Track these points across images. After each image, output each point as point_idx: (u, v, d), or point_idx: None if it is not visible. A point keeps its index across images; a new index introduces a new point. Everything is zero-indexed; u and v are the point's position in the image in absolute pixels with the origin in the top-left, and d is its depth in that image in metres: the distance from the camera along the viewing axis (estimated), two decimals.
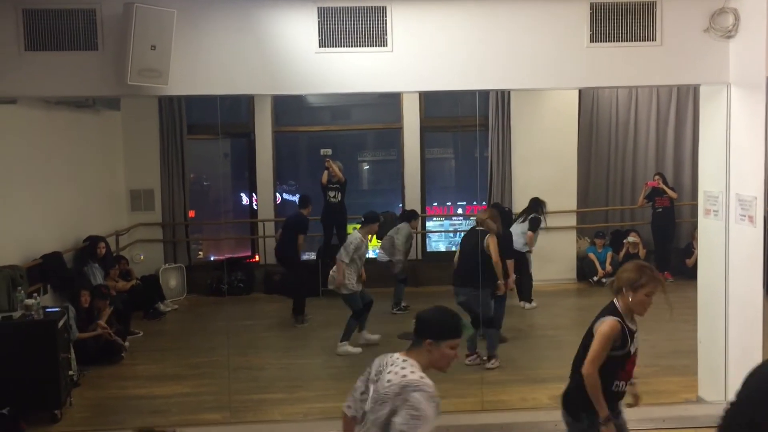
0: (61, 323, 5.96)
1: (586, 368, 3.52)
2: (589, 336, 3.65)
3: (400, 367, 2.87)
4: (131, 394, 6.48)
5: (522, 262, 8.91)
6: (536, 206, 9.09)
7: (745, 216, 5.34)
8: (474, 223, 7.08)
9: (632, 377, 3.71)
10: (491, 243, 6.80)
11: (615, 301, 3.63)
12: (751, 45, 5.22)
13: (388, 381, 2.84)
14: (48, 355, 5.75)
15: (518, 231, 8.83)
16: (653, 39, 5.40)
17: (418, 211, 10.44)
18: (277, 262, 9.38)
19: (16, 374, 5.57)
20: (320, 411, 5.84)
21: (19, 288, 6.19)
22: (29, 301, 5.85)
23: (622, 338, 3.54)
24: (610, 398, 3.60)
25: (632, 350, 3.60)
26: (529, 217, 9.03)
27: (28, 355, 5.66)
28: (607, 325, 3.53)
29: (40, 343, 5.72)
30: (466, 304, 6.71)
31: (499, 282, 6.90)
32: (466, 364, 6.76)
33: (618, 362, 3.58)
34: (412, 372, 2.84)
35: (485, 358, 6.90)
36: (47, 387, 5.70)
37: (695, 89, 7.97)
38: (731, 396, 2.77)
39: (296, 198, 9.20)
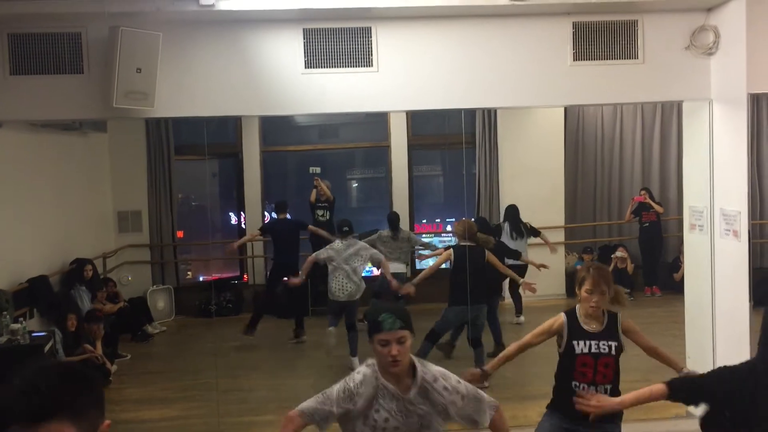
0: (47, 347, 5.91)
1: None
2: None
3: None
4: (119, 418, 6.39)
5: (523, 275, 8.98)
6: (516, 213, 9.11)
7: (729, 231, 5.38)
8: (459, 240, 7.03)
9: (601, 383, 3.66)
10: (492, 256, 6.97)
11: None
12: (732, 62, 5.30)
13: None
14: None
15: (522, 247, 8.90)
16: (635, 57, 5.47)
17: (407, 227, 10.45)
18: (279, 276, 8.84)
19: None
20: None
21: (5, 313, 6.13)
22: (15, 326, 5.80)
23: (566, 334, 3.69)
24: (575, 397, 3.65)
25: (579, 350, 3.66)
26: (529, 228, 9.10)
27: None
28: (554, 317, 3.79)
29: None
30: (481, 318, 6.90)
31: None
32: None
33: (564, 359, 3.73)
34: (358, 372, 2.90)
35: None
36: None
37: (679, 105, 8.07)
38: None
39: (287, 217, 9.07)
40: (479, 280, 6.77)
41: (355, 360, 7.29)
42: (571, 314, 3.75)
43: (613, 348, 3.67)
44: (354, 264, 7.46)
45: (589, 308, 3.67)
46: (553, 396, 3.89)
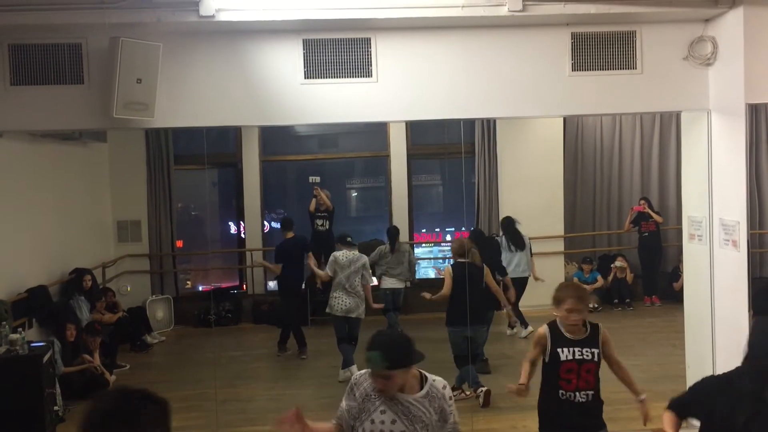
0: (46, 358, 5.89)
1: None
2: None
3: None
4: None
5: (524, 287, 8.95)
6: (512, 224, 9.07)
7: (728, 241, 5.38)
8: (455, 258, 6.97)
9: (584, 389, 3.82)
10: (489, 276, 6.91)
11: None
12: (730, 72, 5.32)
13: None
14: (33, 390, 5.67)
15: (523, 258, 8.87)
16: (634, 67, 5.49)
17: (406, 237, 10.45)
18: (284, 293, 8.87)
19: (1, 410, 5.48)
20: None
21: (4, 323, 6.12)
22: (14, 336, 5.78)
23: (550, 343, 3.85)
24: (562, 406, 3.85)
25: (564, 357, 3.82)
26: (528, 241, 9.07)
27: (13, 390, 5.58)
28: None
29: (24, 378, 5.64)
30: (477, 339, 6.78)
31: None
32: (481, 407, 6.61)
33: (548, 367, 3.88)
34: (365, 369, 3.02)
35: (479, 391, 6.72)
36: (32, 423, 5.61)
37: (677, 115, 8.11)
38: None
39: (293, 236, 8.91)
40: (478, 299, 6.61)
41: (354, 368, 7.26)
42: (552, 325, 3.92)
43: (595, 355, 3.85)
44: (353, 282, 7.52)
45: (569, 326, 3.84)
46: (541, 412, 3.99)
